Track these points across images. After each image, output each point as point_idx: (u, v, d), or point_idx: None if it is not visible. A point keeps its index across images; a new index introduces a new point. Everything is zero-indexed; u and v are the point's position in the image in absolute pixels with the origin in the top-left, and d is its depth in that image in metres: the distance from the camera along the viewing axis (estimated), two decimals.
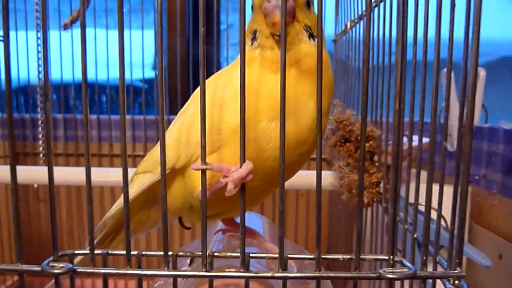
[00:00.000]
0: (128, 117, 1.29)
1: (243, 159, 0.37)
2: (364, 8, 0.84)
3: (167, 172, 0.38)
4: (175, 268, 0.40)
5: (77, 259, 0.48)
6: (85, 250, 0.40)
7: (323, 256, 0.40)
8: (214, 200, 0.40)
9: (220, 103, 0.41)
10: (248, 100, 0.36)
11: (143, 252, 0.41)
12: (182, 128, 0.43)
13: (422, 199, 0.54)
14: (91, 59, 1.20)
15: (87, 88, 0.36)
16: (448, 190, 0.45)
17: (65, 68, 1.26)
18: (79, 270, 0.38)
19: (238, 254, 0.40)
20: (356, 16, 0.90)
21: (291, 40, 0.40)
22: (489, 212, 0.86)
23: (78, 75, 1.27)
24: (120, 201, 0.50)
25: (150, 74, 1.43)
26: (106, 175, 0.81)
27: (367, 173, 0.71)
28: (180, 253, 0.40)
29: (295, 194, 1.24)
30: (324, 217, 1.25)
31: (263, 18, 0.39)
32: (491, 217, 0.86)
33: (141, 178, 0.48)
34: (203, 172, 0.37)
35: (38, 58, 1.19)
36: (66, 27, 0.80)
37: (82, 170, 0.86)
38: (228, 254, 0.41)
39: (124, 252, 0.39)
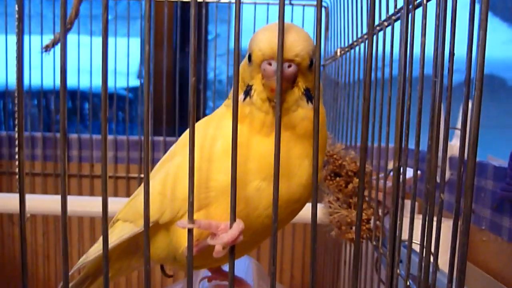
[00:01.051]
0: (110, 137, 1.25)
1: (233, 218, 0.34)
2: (353, 38, 0.82)
3: (150, 225, 0.35)
4: None
5: None
6: None
7: None
8: (200, 255, 0.38)
9: (209, 158, 0.38)
10: (239, 158, 0.33)
11: None
12: (167, 180, 0.41)
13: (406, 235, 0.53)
14: (74, 66, 1.16)
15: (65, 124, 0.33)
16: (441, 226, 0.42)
17: (46, 74, 1.22)
18: None
19: None
20: (346, 44, 0.89)
21: (288, 107, 0.37)
22: (478, 248, 0.85)
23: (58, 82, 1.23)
24: (98, 246, 0.47)
25: (135, 82, 1.40)
26: (86, 204, 0.78)
27: (355, 210, 0.69)
28: None
29: (291, 225, 1.22)
30: (307, 252, 1.23)
31: (261, 77, 0.36)
32: (480, 253, 0.84)
33: (122, 227, 0.45)
34: (190, 230, 0.34)
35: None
36: (47, 49, 0.77)
37: (58, 199, 0.81)
38: None
39: None
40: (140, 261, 0.47)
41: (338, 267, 1.06)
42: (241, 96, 0.38)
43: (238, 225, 0.34)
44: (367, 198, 0.71)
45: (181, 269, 0.48)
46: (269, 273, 0.35)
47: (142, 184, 0.44)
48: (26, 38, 1.19)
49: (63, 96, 0.33)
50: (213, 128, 0.40)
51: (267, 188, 0.38)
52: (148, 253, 0.34)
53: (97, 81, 1.19)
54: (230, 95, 0.42)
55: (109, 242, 0.45)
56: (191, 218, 0.34)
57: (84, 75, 1.20)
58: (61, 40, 0.32)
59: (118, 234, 0.44)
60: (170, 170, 0.41)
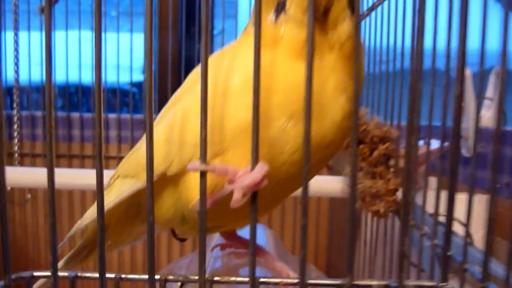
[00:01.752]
0: (113, 115, 1.19)
1: (255, 160, 0.28)
2: None
3: (154, 179, 0.29)
4: None
5: (38, 284, 0.39)
6: (48, 272, 0.31)
7: (354, 283, 0.31)
8: (214, 211, 0.32)
9: (224, 93, 0.32)
10: (262, 92, 0.27)
11: (123, 276, 0.32)
12: (174, 124, 0.34)
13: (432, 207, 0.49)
14: (75, 61, 1.13)
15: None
16: (462, 199, 0.41)
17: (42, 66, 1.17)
18: None
19: (244, 279, 0.31)
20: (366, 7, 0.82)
21: (335, 18, 0.31)
22: None
23: (60, 77, 1.19)
24: (94, 209, 0.41)
25: (139, 77, 1.36)
26: (78, 177, 0.72)
27: (383, 179, 0.63)
28: (170, 277, 0.31)
29: (293, 202, 1.16)
30: (323, 226, 1.17)
31: None
32: None
33: (121, 184, 0.39)
34: (203, 175, 0.28)
35: (17, 59, 1.12)
36: (43, 10, 0.70)
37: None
38: (232, 278, 0.32)
39: (97, 275, 0.30)
40: (143, 225, 0.41)
41: (357, 242, 1.01)
42: (271, 17, 0.32)
43: (261, 167, 0.28)
44: (392, 169, 0.65)
45: (190, 234, 0.42)
46: (301, 241, 0.29)
47: (144, 135, 0.38)
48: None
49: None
50: (229, 59, 0.33)
51: (294, 128, 0.32)
52: (151, 207, 0.28)
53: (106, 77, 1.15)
54: (250, 21, 0.36)
55: (106, 203, 0.39)
56: (204, 160, 0.28)
57: (86, 70, 1.16)
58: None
59: (116, 192, 0.38)
60: (177, 113, 0.35)
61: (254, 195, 0.29)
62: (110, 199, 0.39)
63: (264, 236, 0.58)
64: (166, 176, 0.34)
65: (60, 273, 0.31)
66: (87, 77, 1.19)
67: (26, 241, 1.20)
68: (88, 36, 1.18)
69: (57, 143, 1.20)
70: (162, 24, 1.28)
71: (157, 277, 0.31)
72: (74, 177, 0.72)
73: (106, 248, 0.46)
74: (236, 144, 0.32)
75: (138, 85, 1.47)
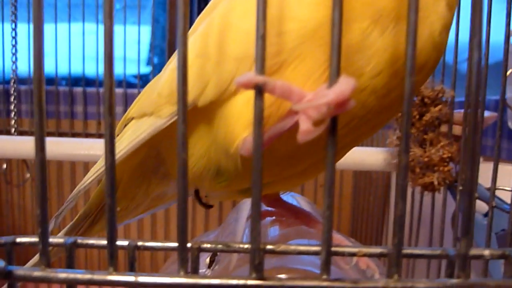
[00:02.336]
0: (119, 90, 1.10)
1: (335, 71, 0.19)
2: None
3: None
4: (196, 271, 0.22)
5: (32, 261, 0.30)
6: (35, 237, 0.23)
7: (407, 252, 0.22)
8: (266, 157, 0.23)
9: None
10: None
11: (140, 243, 0.23)
12: (211, 33, 0.25)
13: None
14: (79, 53, 1.07)
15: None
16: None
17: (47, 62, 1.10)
18: (18, 272, 0.20)
19: (311, 248, 0.23)
20: None
21: None
22: None
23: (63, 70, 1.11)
24: (99, 165, 0.32)
25: (145, 70, 1.29)
26: (80, 146, 0.64)
27: (436, 147, 0.54)
28: (206, 245, 0.23)
29: (313, 185, 1.07)
30: (347, 200, 1.07)
31: None
32: None
33: (136, 126, 0.30)
34: (259, 95, 0.20)
35: (15, 50, 1.05)
36: None
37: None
38: (293, 247, 0.23)
39: (105, 242, 0.21)
40: (162, 185, 0.33)
41: (384, 216, 0.93)
42: None
43: (347, 80, 0.19)
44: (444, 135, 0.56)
45: (222, 195, 0.33)
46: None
47: (170, 60, 0.29)
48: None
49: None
50: None
51: (380, 38, 0.23)
52: (184, 139, 0.19)
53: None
54: None
55: (117, 152, 0.31)
56: (261, 71, 0.19)
57: (89, 62, 1.10)
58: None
59: (130, 137, 0.30)
60: (213, 20, 0.26)
61: (333, 123, 0.20)
62: (121, 146, 0.30)
63: (298, 205, 0.49)
64: (197, 108, 0.26)
65: (53, 239, 0.22)
66: (91, 70, 1.12)
67: (25, 224, 1.12)
68: (92, 28, 1.12)
69: (59, 121, 1.11)
70: (172, 1, 1.19)
71: (188, 244, 0.22)
72: (75, 147, 0.64)
73: (117, 216, 0.38)
74: (300, 55, 0.23)
75: (143, 77, 1.42)
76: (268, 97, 0.20)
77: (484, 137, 0.78)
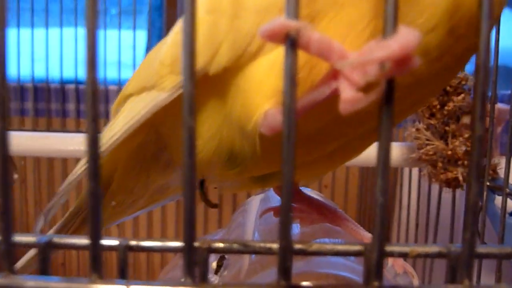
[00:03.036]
0: (114, 87, 1.05)
1: (392, 19, 0.15)
2: None
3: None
4: (205, 278, 0.17)
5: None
6: None
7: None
8: (304, 131, 0.18)
9: None
10: None
11: (133, 243, 0.18)
12: None
13: None
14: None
15: None
16: None
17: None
18: None
19: (351, 247, 0.18)
20: None
21: None
22: None
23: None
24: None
25: None
26: (71, 141, 0.59)
27: (460, 139, 0.49)
28: (218, 244, 0.18)
29: (317, 185, 1.02)
30: (352, 200, 1.02)
31: None
32: None
33: (133, 105, 0.26)
34: (290, 48, 0.15)
35: None
36: None
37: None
38: (329, 246, 0.18)
39: (85, 242, 0.16)
40: (163, 175, 0.28)
41: (392, 213, 0.88)
42: None
43: (410, 31, 0.14)
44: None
45: (235, 186, 0.28)
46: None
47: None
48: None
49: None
50: None
51: None
52: (191, 128, 0.14)
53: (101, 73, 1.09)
54: None
55: (110, 136, 0.26)
56: (294, 15, 0.14)
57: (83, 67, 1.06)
58: None
59: (125, 118, 0.25)
60: None
61: (389, 88, 0.15)
62: (116, 129, 0.25)
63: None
64: (207, 78, 0.21)
65: (21, 238, 0.17)
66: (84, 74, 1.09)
67: (14, 227, 1.06)
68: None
69: (50, 119, 1.06)
70: (169, 5, 1.15)
71: (196, 244, 0.17)
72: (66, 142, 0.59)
73: (111, 214, 0.33)
74: (338, 2, 0.18)
75: None
76: (299, 56, 0.16)
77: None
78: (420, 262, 0.64)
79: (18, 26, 1.06)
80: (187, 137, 0.14)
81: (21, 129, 1.06)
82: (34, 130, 1.05)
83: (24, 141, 0.69)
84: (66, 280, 0.16)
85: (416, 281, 0.25)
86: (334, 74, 0.17)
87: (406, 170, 0.76)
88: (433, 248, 0.19)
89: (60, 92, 1.06)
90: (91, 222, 0.15)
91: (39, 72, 1.08)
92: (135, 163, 0.28)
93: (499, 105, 0.56)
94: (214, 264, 0.29)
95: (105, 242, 0.17)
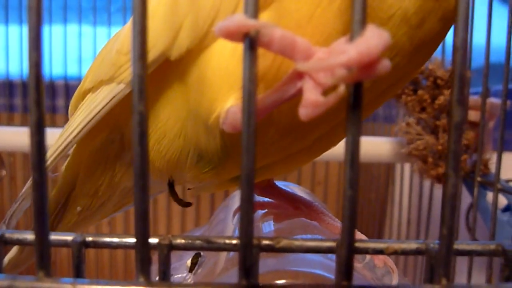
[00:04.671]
0: None
1: (360, 14, 0.13)
2: None
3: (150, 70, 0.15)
4: (166, 276, 0.16)
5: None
6: None
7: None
8: (261, 132, 0.17)
9: None
10: None
11: (88, 238, 0.17)
12: None
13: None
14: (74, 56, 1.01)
15: None
16: None
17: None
18: None
19: (316, 243, 0.17)
20: None
21: None
22: None
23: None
24: (58, 142, 0.26)
25: None
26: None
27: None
28: (179, 240, 0.16)
29: (310, 182, 1.01)
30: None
31: None
32: None
33: (92, 99, 0.24)
34: (249, 50, 0.14)
35: None
36: None
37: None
38: (298, 242, 0.17)
39: (30, 237, 0.15)
40: (129, 174, 0.27)
41: (385, 209, 0.86)
42: None
43: (378, 32, 0.13)
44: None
45: (208, 187, 0.27)
46: None
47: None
48: None
49: None
50: None
51: None
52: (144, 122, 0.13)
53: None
54: None
55: (67, 135, 0.25)
56: (253, 13, 0.13)
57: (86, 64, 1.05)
58: None
59: (83, 115, 0.24)
60: None
61: (356, 91, 0.14)
62: (73, 127, 0.24)
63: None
64: (170, 64, 0.20)
65: None
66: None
67: None
68: (87, 31, 1.08)
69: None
70: None
71: (153, 240, 0.16)
72: None
73: (78, 220, 0.31)
74: None
75: None
76: (262, 52, 0.15)
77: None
78: (412, 257, 0.64)
79: (7, 22, 1.05)
80: (137, 122, 0.13)
81: (10, 124, 1.04)
82: (23, 125, 1.04)
83: (13, 137, 0.68)
84: (11, 277, 0.14)
85: (396, 277, 0.24)
86: (299, 73, 0.16)
87: (398, 166, 0.75)
88: (411, 245, 0.17)
89: (50, 88, 1.05)
90: (35, 216, 0.14)
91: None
92: (98, 164, 0.27)
93: (493, 100, 0.54)
94: (188, 262, 0.28)
95: (56, 237, 0.16)
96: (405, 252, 0.17)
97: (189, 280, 0.27)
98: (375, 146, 0.56)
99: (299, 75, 0.16)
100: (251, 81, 0.14)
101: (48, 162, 0.25)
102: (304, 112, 0.14)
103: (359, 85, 0.14)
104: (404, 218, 0.69)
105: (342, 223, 0.14)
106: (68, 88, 1.06)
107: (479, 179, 0.46)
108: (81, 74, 1.04)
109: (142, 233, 0.14)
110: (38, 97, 0.14)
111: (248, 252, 0.14)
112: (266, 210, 0.29)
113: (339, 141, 0.25)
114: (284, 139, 0.21)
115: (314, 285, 0.15)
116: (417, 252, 0.17)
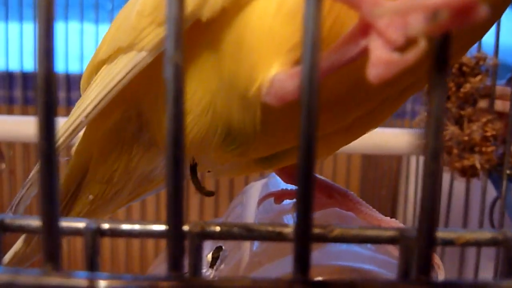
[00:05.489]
0: None
1: None
2: None
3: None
4: (197, 271, 0.14)
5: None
6: None
7: None
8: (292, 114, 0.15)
9: None
10: None
11: (104, 225, 0.14)
12: None
13: None
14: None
15: None
16: None
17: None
18: None
19: (378, 232, 0.14)
20: None
21: None
22: None
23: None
24: (69, 123, 0.23)
25: None
26: None
27: (477, 124, 0.45)
28: (214, 228, 0.14)
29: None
30: (354, 184, 0.98)
31: None
32: None
33: (109, 69, 0.22)
34: None
35: None
36: None
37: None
38: (354, 230, 0.14)
39: (38, 224, 0.12)
40: (146, 159, 0.24)
41: (395, 204, 0.85)
42: None
43: None
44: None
45: (231, 171, 0.24)
46: None
47: None
48: None
49: None
50: None
51: None
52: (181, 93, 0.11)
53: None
54: None
55: (80, 112, 0.22)
56: None
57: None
58: None
59: (98, 88, 0.21)
60: None
61: (444, 43, 0.11)
62: (87, 103, 0.21)
63: None
64: (200, 27, 0.17)
65: None
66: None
67: None
68: (90, 28, 1.06)
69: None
70: None
71: (185, 228, 0.13)
72: None
73: (90, 209, 0.29)
74: None
75: None
76: None
77: None
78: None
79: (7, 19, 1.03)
80: (172, 75, 0.10)
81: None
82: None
83: (13, 127, 0.65)
84: (12, 271, 0.12)
85: (442, 273, 0.21)
86: (364, 28, 0.13)
87: (413, 160, 0.72)
88: (484, 234, 0.15)
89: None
90: (42, 197, 0.11)
91: (28, 63, 1.04)
92: (113, 146, 0.24)
93: None
94: (209, 256, 0.26)
95: (66, 224, 0.13)
96: (478, 243, 0.15)
97: (211, 277, 0.24)
98: (392, 138, 0.53)
99: (363, 32, 0.13)
100: (315, 35, 0.11)
101: (59, 141, 0.23)
102: (374, 72, 0.12)
103: (447, 37, 0.11)
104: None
105: (421, 205, 0.12)
106: (69, 80, 1.04)
107: (508, 171, 0.43)
108: (82, 71, 1.02)
109: (175, 221, 0.12)
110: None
111: (307, 241, 0.11)
112: (292, 201, 0.26)
113: (382, 121, 0.22)
114: (323, 115, 0.19)
115: (381, 281, 0.12)
116: (492, 242, 0.15)
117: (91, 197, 0.27)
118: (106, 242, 0.92)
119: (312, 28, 0.11)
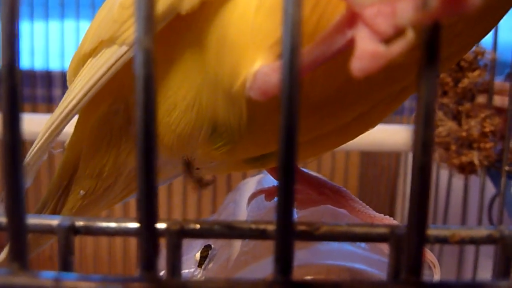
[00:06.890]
0: None
1: None
2: None
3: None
4: (176, 272, 0.13)
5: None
6: None
7: None
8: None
9: None
10: None
11: (78, 223, 0.13)
12: None
13: None
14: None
15: None
16: None
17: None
18: None
19: (366, 229, 0.14)
20: None
21: None
22: None
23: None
24: (52, 120, 0.23)
25: None
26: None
27: (476, 119, 0.44)
28: (194, 225, 0.13)
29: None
30: (353, 182, 0.98)
31: None
32: None
33: (91, 67, 0.21)
34: None
35: None
36: None
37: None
38: (342, 227, 0.13)
39: (3, 220, 0.12)
40: (134, 150, 0.23)
41: (393, 202, 0.84)
42: None
43: None
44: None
45: (219, 169, 0.24)
46: None
47: None
48: None
49: None
50: None
51: None
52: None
53: None
54: None
55: (68, 106, 0.22)
56: None
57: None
58: None
59: (82, 82, 0.21)
60: None
61: (433, 34, 0.10)
62: (73, 94, 0.21)
63: None
64: (181, 20, 0.17)
65: None
66: None
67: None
68: (70, 25, 1.06)
69: (35, 105, 1.01)
70: None
71: (161, 225, 0.12)
72: None
73: (81, 206, 0.29)
74: None
75: None
76: None
77: None
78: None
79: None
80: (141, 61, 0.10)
81: None
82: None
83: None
84: None
85: (438, 272, 0.21)
86: (350, 19, 0.12)
87: (411, 157, 0.71)
88: (480, 232, 0.14)
89: (46, 76, 1.02)
90: (6, 191, 0.11)
91: (24, 62, 1.04)
92: (101, 139, 0.24)
93: None
94: (197, 255, 0.25)
95: (36, 221, 0.12)
96: (474, 241, 0.14)
97: (198, 276, 0.24)
98: (392, 135, 0.52)
99: (349, 22, 0.12)
100: (295, 24, 0.10)
101: (46, 135, 0.23)
102: (358, 65, 0.11)
103: (436, 28, 0.10)
104: None
105: (410, 201, 0.11)
106: (50, 78, 1.03)
107: (506, 168, 0.43)
108: (63, 68, 1.01)
109: (148, 215, 0.11)
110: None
111: (288, 240, 0.11)
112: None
113: (379, 122, 0.21)
114: (316, 115, 0.18)
115: (378, 282, 0.11)
116: (489, 240, 0.14)
117: (82, 192, 0.27)
118: (89, 241, 0.91)
119: (291, 21, 0.10)
